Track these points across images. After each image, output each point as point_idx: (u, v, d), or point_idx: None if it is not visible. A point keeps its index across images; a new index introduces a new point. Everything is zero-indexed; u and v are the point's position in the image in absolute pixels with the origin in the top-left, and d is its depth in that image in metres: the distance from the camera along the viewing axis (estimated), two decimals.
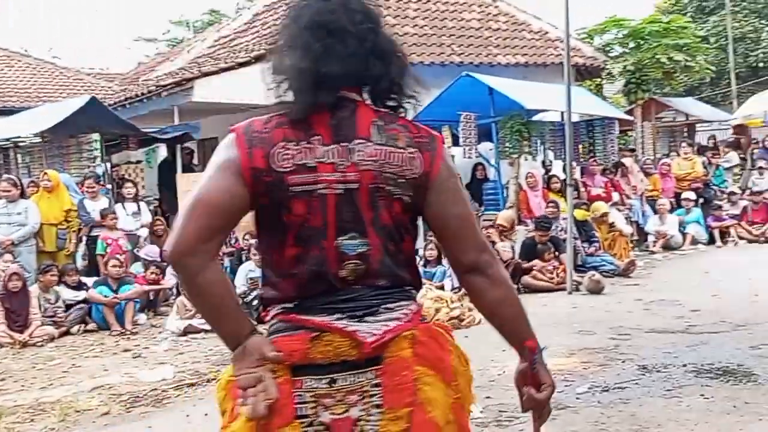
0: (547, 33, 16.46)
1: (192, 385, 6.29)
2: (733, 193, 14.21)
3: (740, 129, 19.10)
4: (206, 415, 5.42)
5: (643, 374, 5.73)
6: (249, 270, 9.60)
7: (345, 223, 1.86)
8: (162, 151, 13.41)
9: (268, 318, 1.92)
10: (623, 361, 6.14)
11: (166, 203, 12.75)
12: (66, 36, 58.20)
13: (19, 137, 11.65)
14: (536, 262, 10.17)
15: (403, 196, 1.90)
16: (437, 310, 7.81)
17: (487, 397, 5.25)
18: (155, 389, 6.18)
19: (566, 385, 5.50)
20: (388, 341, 1.86)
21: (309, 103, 1.85)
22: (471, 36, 15.60)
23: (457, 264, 2.01)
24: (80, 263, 10.13)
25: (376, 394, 1.86)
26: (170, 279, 10.14)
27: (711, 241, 13.21)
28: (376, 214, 1.88)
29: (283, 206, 1.84)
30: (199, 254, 1.78)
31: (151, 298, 9.86)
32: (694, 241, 13.11)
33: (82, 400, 5.93)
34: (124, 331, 8.80)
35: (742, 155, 16.87)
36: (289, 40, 1.90)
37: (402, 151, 1.90)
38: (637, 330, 7.24)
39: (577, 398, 5.23)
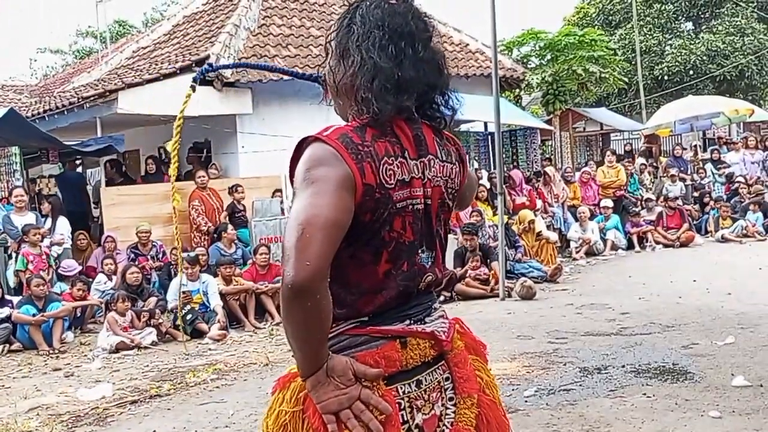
0: (467, 45, 16.76)
1: (134, 402, 6.14)
2: (648, 200, 14.78)
3: (651, 138, 19.91)
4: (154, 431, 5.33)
5: (585, 376, 5.90)
6: (181, 284, 9.43)
7: (424, 238, 1.90)
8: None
9: (334, 333, 1.81)
10: (564, 364, 6.31)
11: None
12: None
13: None
14: (465, 269, 10.35)
15: (452, 207, 2.00)
16: None
17: None
18: (96, 407, 6.01)
19: (513, 389, 5.63)
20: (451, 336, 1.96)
21: (396, 105, 1.81)
22: None
23: None
24: (12, 280, 9.74)
25: (448, 388, 1.93)
26: (95, 295, 9.89)
27: (630, 246, 13.72)
28: (439, 227, 1.95)
29: (387, 222, 1.80)
30: (326, 277, 1.70)
31: (78, 315, 9.57)
32: (614, 247, 13.58)
33: (20, 421, 5.72)
34: (52, 350, 8.52)
35: (653, 163, 17.56)
36: (361, 40, 1.83)
37: (453, 165, 1.98)
38: (573, 333, 7.45)
39: (526, 401, 5.35)
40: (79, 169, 14.09)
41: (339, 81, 1.89)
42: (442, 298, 9.81)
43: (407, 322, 1.87)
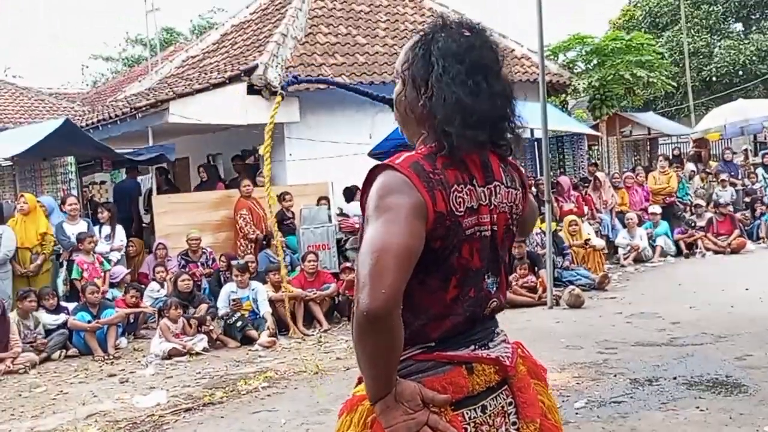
0: (513, 51, 16.70)
1: (189, 409, 6.26)
2: (698, 206, 14.57)
3: (700, 142, 19.62)
4: None
5: (636, 388, 5.87)
6: (231, 291, 9.58)
7: (490, 264, 1.94)
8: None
9: (402, 358, 1.83)
10: (614, 375, 6.28)
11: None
12: (16, 52, 57.40)
13: None
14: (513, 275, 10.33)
15: (515, 234, 2.05)
16: None
17: None
18: (152, 414, 6.15)
19: (563, 401, 5.61)
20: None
21: (474, 141, 1.85)
22: None
23: None
24: (62, 288, 9.99)
25: (511, 413, 1.97)
26: (148, 302, 10.09)
27: (679, 253, 13.54)
28: (503, 253, 2.00)
29: (456, 249, 1.84)
30: (400, 304, 1.72)
31: (131, 321, 9.77)
32: (663, 254, 13.41)
33: (80, 428, 5.88)
34: (107, 356, 8.72)
35: (703, 168, 17.30)
36: (441, 74, 1.87)
37: (517, 191, 2.03)
38: (623, 343, 7.40)
39: (576, 413, 5.34)
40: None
41: (415, 111, 1.93)
42: None
43: (472, 347, 1.91)
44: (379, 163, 1.87)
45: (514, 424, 1.97)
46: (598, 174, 14.18)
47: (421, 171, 1.81)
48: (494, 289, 1.96)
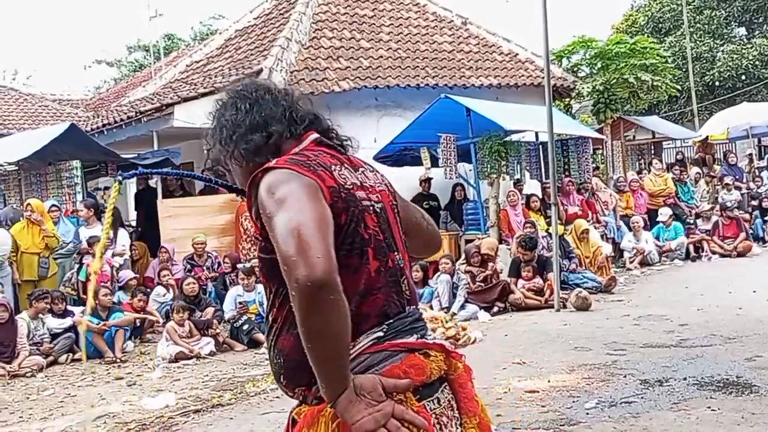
0: (517, 55, 16.74)
1: (197, 411, 6.26)
2: (703, 210, 14.55)
3: (704, 146, 19.60)
4: None
5: (647, 388, 5.85)
6: (237, 294, 9.58)
7: (392, 239, 1.97)
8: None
9: (354, 354, 1.81)
10: (624, 376, 6.26)
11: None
12: (12, 56, 57.72)
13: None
14: (519, 280, 10.33)
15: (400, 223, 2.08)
16: (433, 330, 7.83)
17: (498, 415, 5.31)
18: (161, 416, 6.14)
19: (573, 401, 5.60)
20: None
21: (288, 128, 2.02)
22: (444, 59, 15.79)
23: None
24: (75, 284, 10.04)
25: (454, 407, 1.96)
26: (154, 306, 10.09)
27: (686, 256, 13.51)
28: (400, 232, 2.03)
29: (360, 220, 1.87)
30: (337, 268, 1.69)
31: (137, 324, 9.76)
32: (670, 256, 13.38)
33: (89, 429, 5.87)
34: (114, 359, 8.71)
35: (708, 172, 17.29)
36: (230, 113, 2.08)
37: (384, 177, 2.12)
38: (631, 345, 7.38)
39: (587, 413, 5.32)
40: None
41: (232, 151, 2.04)
42: (495, 309, 9.84)
43: (415, 336, 1.91)
44: (254, 173, 1.88)
45: (457, 418, 1.95)
46: (593, 180, 14.18)
47: (298, 161, 1.87)
48: (402, 264, 1.97)
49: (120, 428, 5.89)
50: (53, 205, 10.37)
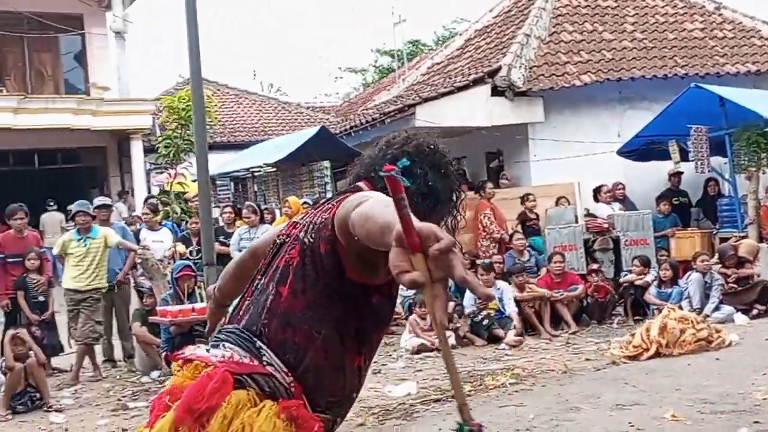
0: (759, 32, 15.41)
1: (438, 400, 6.39)
2: None
3: None
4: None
5: None
6: None
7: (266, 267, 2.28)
8: None
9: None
10: None
11: None
12: (274, 68, 62.37)
13: (260, 168, 12.50)
14: None
15: None
16: (682, 331, 7.43)
17: (756, 422, 4.91)
18: (403, 403, 6.36)
19: None
20: None
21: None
22: (695, 46, 14.88)
23: None
24: None
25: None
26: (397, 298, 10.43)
27: None
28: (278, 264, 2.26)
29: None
30: None
31: None
32: None
33: None
34: None
35: None
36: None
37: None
38: None
39: None
40: None
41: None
42: (755, 311, 9.09)
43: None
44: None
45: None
46: None
47: None
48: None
49: (366, 412, 6.16)
50: (305, 202, 11.08)
